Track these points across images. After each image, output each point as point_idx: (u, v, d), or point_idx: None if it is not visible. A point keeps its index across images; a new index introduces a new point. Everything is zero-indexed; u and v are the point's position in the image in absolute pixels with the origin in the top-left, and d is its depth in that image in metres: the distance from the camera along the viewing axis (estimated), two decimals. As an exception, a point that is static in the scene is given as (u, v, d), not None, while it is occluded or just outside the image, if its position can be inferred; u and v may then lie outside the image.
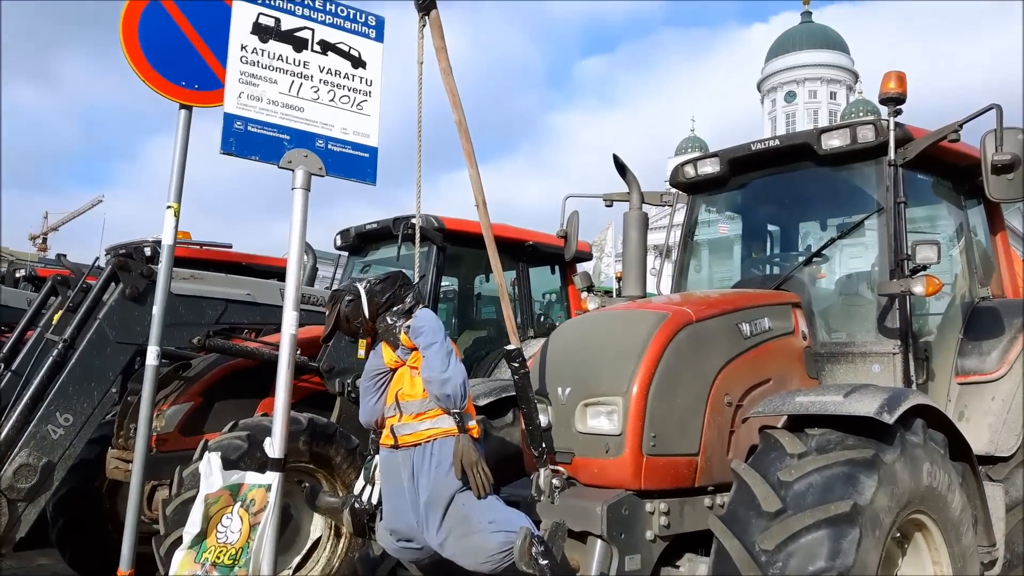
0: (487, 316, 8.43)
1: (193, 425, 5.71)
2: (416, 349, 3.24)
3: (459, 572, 3.60)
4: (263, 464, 4.38)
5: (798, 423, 3.29)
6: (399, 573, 4.09)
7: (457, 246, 7.24)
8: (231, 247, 9.02)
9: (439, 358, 3.13)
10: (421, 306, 3.35)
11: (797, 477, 2.94)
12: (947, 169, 5.06)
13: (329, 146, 3.62)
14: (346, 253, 7.96)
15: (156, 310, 4.09)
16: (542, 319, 7.75)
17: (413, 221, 7.02)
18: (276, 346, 5.91)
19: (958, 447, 3.73)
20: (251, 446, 4.89)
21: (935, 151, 4.64)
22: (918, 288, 4.07)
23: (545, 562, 2.89)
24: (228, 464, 4.43)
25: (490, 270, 8.17)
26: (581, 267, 8.18)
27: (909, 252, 4.25)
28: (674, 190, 5.69)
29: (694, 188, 5.59)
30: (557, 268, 8.00)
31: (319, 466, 5.29)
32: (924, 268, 4.15)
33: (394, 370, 3.37)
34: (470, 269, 7.89)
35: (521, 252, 7.44)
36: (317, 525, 5.42)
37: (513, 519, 3.05)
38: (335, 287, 7.71)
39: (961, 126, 4.44)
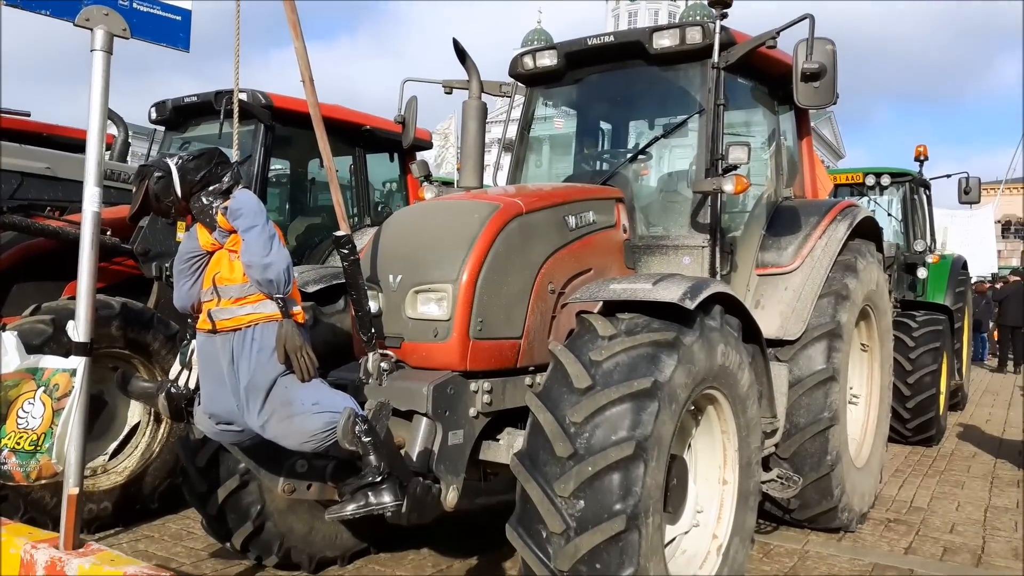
0: (323, 203, 8.16)
1: (-10, 308, 5.25)
2: (234, 232, 3.10)
3: (282, 452, 3.63)
4: (70, 350, 4.14)
5: (612, 309, 3.51)
6: (221, 456, 4.07)
7: (289, 126, 6.86)
8: (29, 115, 8.08)
9: (260, 242, 3.02)
10: (240, 187, 3.18)
11: (606, 357, 3.17)
12: (764, 76, 5.37)
13: (135, 4, 3.27)
14: (163, 128, 7.35)
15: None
16: (380, 208, 7.62)
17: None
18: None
19: (751, 331, 4.15)
20: (56, 331, 4.59)
21: (754, 58, 4.90)
22: (728, 186, 4.37)
23: (368, 440, 2.97)
24: (31, 350, 4.14)
25: (318, 152, 7.91)
26: (421, 155, 8.05)
27: (723, 153, 4.53)
28: (512, 81, 5.67)
29: (532, 80, 5.60)
30: (396, 156, 7.83)
31: (135, 352, 5.08)
32: (735, 168, 4.45)
33: (211, 253, 3.22)
34: (303, 152, 7.54)
35: (358, 136, 7.20)
36: (135, 411, 5.25)
37: (336, 400, 3.08)
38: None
39: (778, 33, 4.70)
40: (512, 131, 5.82)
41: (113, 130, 8.00)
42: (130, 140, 7.64)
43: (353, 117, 7.17)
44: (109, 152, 7.00)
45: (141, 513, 5.19)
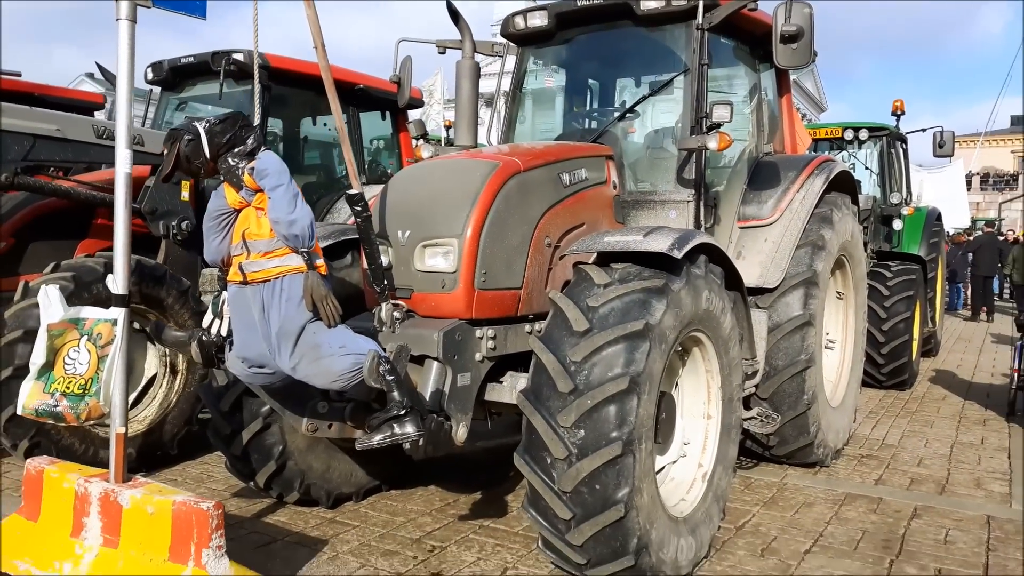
0: (312, 161, 8.34)
1: (6, 267, 5.47)
2: (260, 190, 3.35)
3: (305, 395, 3.94)
4: (96, 302, 4.39)
5: (605, 259, 3.81)
6: (244, 400, 4.37)
7: (282, 86, 7.04)
8: (20, 75, 8.18)
9: (286, 199, 3.27)
10: (264, 148, 3.42)
11: (602, 303, 3.48)
12: (746, 35, 5.60)
13: (156, -25, 3.46)
14: (158, 88, 7.49)
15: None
16: (373, 165, 7.82)
17: (236, 56, 6.77)
18: (92, 185, 5.71)
19: (733, 279, 4.47)
20: (77, 287, 4.86)
21: (736, 19, 5.13)
22: (712, 143, 4.65)
23: (391, 378, 3.28)
24: None
25: (316, 112, 8.05)
26: (413, 114, 8.23)
27: (707, 111, 4.79)
28: (504, 40, 5.87)
29: (523, 40, 5.80)
30: (388, 114, 8.01)
31: (151, 307, 5.33)
32: (719, 126, 4.71)
33: (238, 211, 3.48)
34: (295, 111, 7.71)
35: (352, 96, 7.38)
36: (152, 363, 5.52)
37: (361, 344, 3.38)
38: (149, 125, 7.32)
39: (759, -4, 4.93)
40: (502, 88, 6.03)
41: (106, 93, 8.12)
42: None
43: (347, 76, 7.33)
44: (107, 112, 7.13)
45: (162, 459, 5.51)
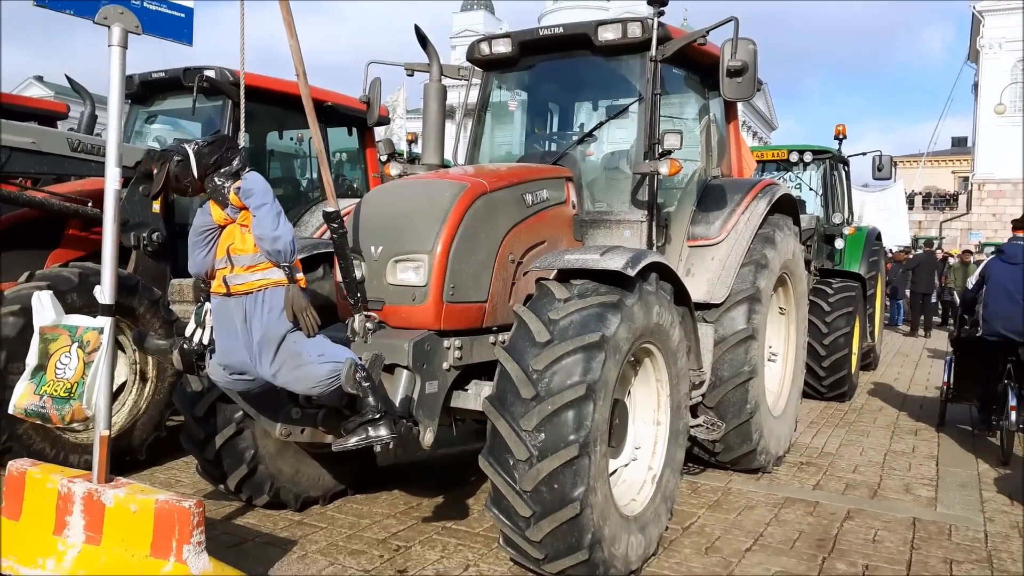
0: (276, 174, 8.50)
1: (-22, 276, 5.54)
2: (245, 208, 3.57)
3: (279, 401, 4.16)
4: (70, 310, 4.53)
5: (565, 275, 4.11)
6: (218, 406, 4.55)
7: (251, 101, 7.18)
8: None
9: (270, 218, 3.50)
10: (248, 169, 3.64)
11: (563, 316, 3.77)
12: (696, 66, 5.98)
13: (145, 4, 3.67)
14: (128, 101, 7.59)
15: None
16: (339, 179, 8.03)
17: (207, 73, 6.93)
18: (64, 196, 5.84)
19: (681, 295, 4.80)
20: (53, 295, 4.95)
21: (687, 51, 5.49)
22: (664, 169, 4.99)
23: (367, 384, 3.53)
24: (30, 314, 4.55)
25: (282, 126, 8.23)
26: (380, 131, 8.45)
27: (659, 138, 5.13)
28: (471, 65, 6.16)
29: (488, 65, 6.10)
30: (355, 130, 8.23)
31: (123, 315, 5.45)
32: (670, 152, 5.06)
33: (222, 227, 3.69)
34: (262, 124, 7.87)
35: (320, 112, 7.55)
36: (121, 371, 5.63)
37: (339, 352, 3.62)
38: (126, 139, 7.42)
39: (708, 32, 5.32)
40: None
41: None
42: (96, 113, 7.84)
43: (317, 95, 7.50)
44: (82, 124, 7.22)
45: (131, 464, 5.62)
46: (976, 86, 44.19)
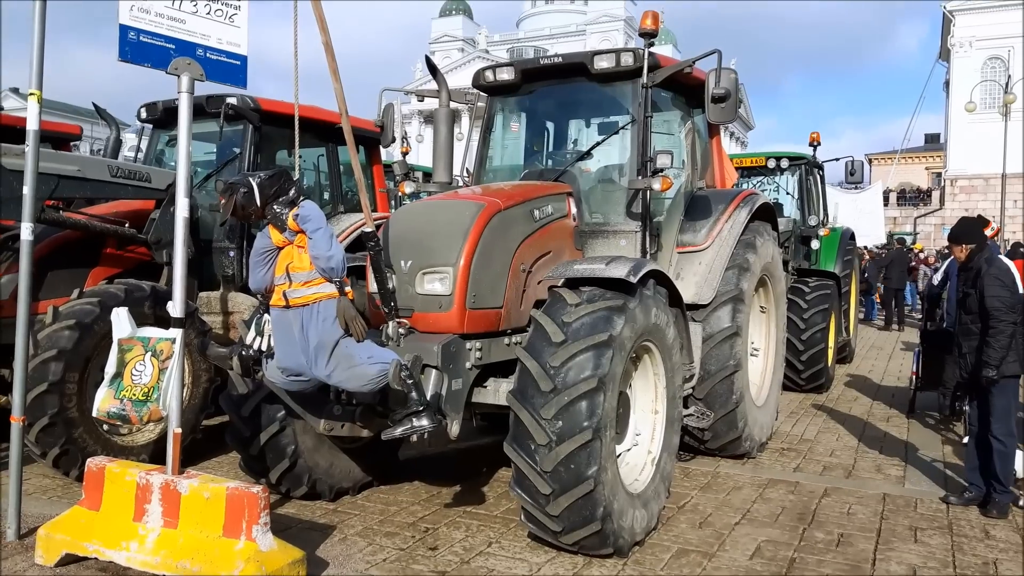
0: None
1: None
2: (302, 232, 4.10)
3: (320, 402, 4.69)
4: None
5: (574, 283, 4.67)
6: (262, 407, 5.06)
7: (267, 125, 7.71)
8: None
9: (325, 240, 4.04)
10: (303, 198, 4.18)
11: (575, 319, 4.33)
12: (682, 88, 6.56)
13: (207, 54, 4.18)
14: (150, 125, 8.07)
15: (27, 190, 4.46)
16: (349, 195, 8.53)
17: (230, 101, 7.44)
18: (103, 218, 6.33)
19: (674, 298, 5.38)
20: (102, 311, 5.45)
21: (675, 75, 6.07)
22: (656, 185, 5.57)
23: (411, 382, 4.07)
24: (82, 328, 5.13)
25: (291, 146, 8.73)
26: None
27: (652, 156, 5.70)
28: (476, 91, 6.71)
29: (492, 91, 6.66)
30: (362, 148, 8.73)
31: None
32: (661, 170, 5.62)
33: (279, 248, 4.22)
34: (274, 145, 8.37)
35: (331, 132, 8.08)
36: (161, 379, 6.11)
37: (386, 355, 4.15)
38: (143, 159, 7.90)
39: (693, 63, 5.91)
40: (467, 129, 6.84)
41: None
42: (121, 137, 8.30)
43: (326, 116, 8.03)
44: (107, 150, 7.68)
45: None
46: (947, 84, 45.26)
